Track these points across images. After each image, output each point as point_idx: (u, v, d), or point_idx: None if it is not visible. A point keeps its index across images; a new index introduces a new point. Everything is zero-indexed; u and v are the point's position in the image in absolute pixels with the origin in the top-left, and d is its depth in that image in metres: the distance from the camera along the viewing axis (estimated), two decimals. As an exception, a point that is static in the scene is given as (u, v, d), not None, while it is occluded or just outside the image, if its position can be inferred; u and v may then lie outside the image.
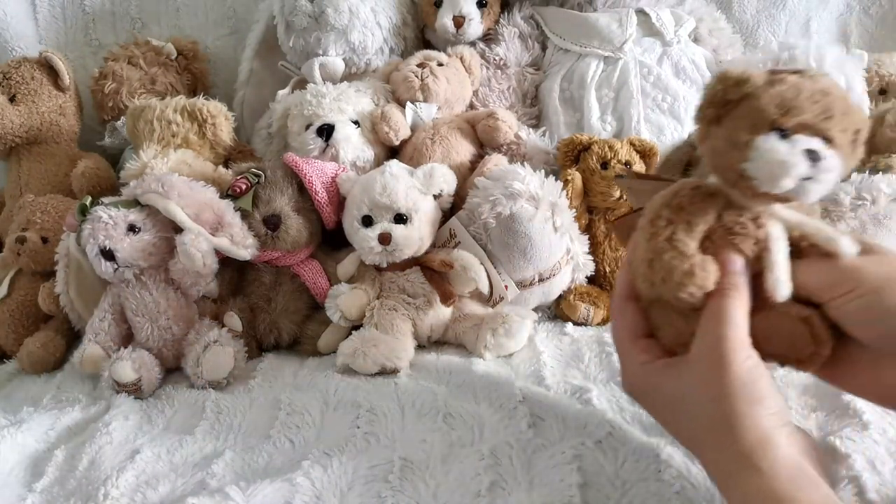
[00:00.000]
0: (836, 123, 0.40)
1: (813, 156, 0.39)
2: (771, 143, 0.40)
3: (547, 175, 0.75)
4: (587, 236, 0.81)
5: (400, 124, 0.90)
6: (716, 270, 0.42)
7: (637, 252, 0.45)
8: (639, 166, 0.84)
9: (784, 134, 0.40)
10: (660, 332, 0.46)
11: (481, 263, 0.74)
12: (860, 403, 0.53)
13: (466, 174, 0.87)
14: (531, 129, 0.96)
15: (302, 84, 1.02)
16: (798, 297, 0.43)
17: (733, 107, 0.42)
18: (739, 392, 0.40)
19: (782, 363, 0.44)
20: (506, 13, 1.06)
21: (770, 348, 0.43)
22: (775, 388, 0.41)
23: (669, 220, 0.43)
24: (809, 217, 0.44)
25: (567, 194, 0.77)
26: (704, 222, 0.43)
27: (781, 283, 0.42)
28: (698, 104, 0.45)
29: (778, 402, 0.41)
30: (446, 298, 0.74)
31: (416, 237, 0.74)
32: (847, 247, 0.42)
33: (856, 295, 0.41)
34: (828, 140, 0.40)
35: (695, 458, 0.45)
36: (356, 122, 0.90)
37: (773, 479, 0.38)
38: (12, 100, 0.98)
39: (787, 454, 0.39)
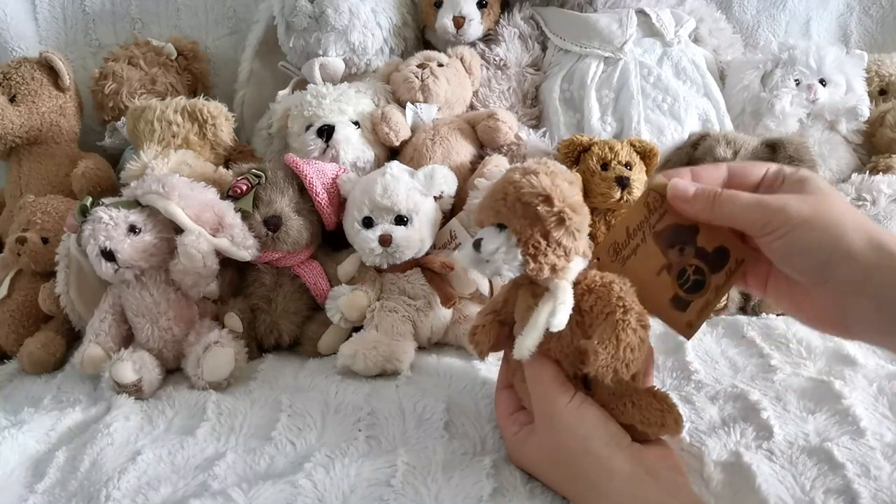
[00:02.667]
0: (485, 213, 0.49)
1: (476, 243, 0.49)
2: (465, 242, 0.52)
3: (547, 176, 0.75)
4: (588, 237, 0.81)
5: (400, 125, 0.90)
6: (493, 333, 0.53)
7: None
8: (639, 167, 0.84)
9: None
10: (525, 402, 0.52)
11: (482, 264, 0.74)
12: (859, 409, 0.53)
13: (467, 175, 0.87)
14: (531, 130, 0.96)
15: (302, 84, 1.02)
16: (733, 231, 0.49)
17: None
18: (569, 435, 0.46)
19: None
20: (506, 14, 1.06)
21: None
22: (604, 417, 0.47)
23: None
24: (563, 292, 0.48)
25: (567, 195, 0.77)
26: (507, 300, 0.54)
27: (519, 346, 0.48)
28: None
29: (611, 429, 0.46)
30: (447, 300, 0.74)
31: (416, 238, 0.74)
32: (554, 324, 0.47)
33: (777, 235, 0.45)
34: (500, 226, 0.49)
35: None
36: (356, 123, 0.90)
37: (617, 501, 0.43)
38: (12, 100, 0.98)
39: (630, 474, 0.43)
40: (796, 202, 0.44)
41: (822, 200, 0.44)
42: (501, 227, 0.49)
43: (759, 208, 0.45)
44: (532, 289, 0.51)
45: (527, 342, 0.47)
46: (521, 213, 0.48)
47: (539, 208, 0.47)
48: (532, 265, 0.48)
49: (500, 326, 0.54)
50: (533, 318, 0.48)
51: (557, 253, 0.48)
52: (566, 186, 0.49)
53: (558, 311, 0.47)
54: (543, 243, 0.48)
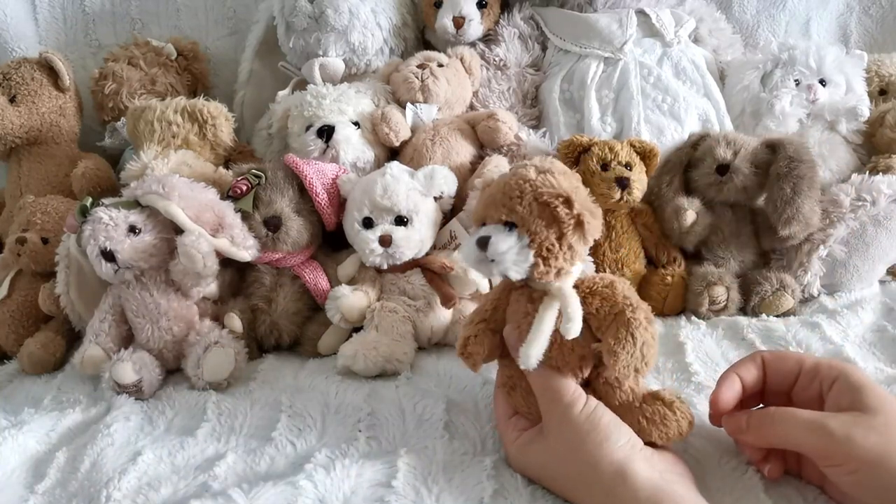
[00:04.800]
0: (495, 209, 0.48)
1: (481, 242, 0.47)
2: (466, 241, 0.50)
3: (547, 176, 0.75)
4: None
5: (400, 125, 0.90)
6: (485, 343, 0.52)
7: None
8: (639, 167, 0.84)
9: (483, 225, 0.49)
10: (520, 409, 0.52)
11: (482, 265, 0.74)
12: None
13: (467, 175, 0.87)
14: (531, 130, 0.96)
15: (302, 85, 1.02)
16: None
17: None
18: (585, 438, 0.45)
19: None
20: (506, 14, 1.06)
21: None
22: (618, 421, 0.46)
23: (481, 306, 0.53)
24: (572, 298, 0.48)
25: (567, 196, 0.77)
26: (498, 303, 0.52)
27: (525, 356, 0.46)
28: None
29: (625, 434, 0.45)
30: (447, 300, 0.74)
31: (416, 239, 0.74)
32: (568, 330, 0.46)
33: (848, 469, 0.42)
34: (508, 224, 0.47)
35: None
36: (356, 123, 0.90)
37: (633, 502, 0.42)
38: (12, 100, 0.98)
39: (644, 478, 0.43)
40: (863, 435, 0.41)
41: (891, 429, 0.41)
42: (510, 225, 0.47)
43: (820, 436, 0.43)
44: (528, 293, 0.50)
45: (533, 351, 0.46)
46: (538, 214, 0.46)
47: (559, 210, 0.46)
48: (542, 268, 0.46)
49: (492, 335, 0.52)
50: (536, 326, 0.47)
51: (566, 256, 0.47)
52: (583, 189, 0.48)
53: (574, 318, 0.46)
54: (556, 246, 0.46)
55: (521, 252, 0.46)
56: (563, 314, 0.46)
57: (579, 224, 0.46)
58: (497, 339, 0.52)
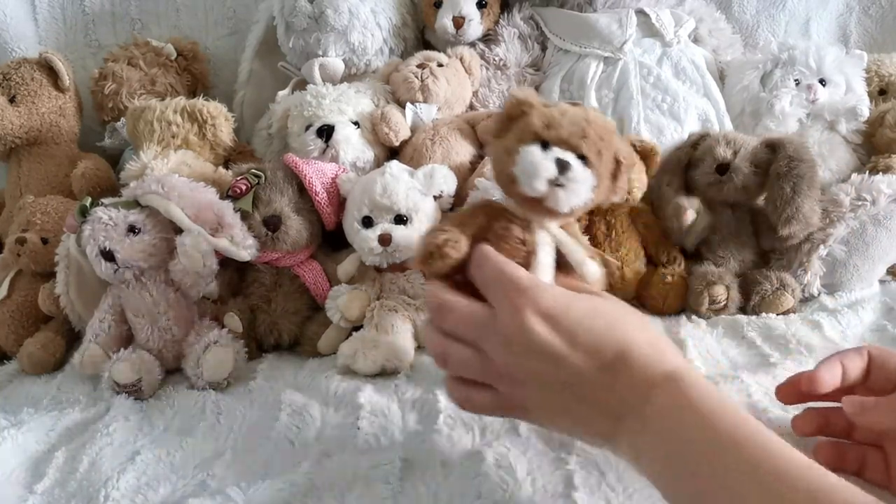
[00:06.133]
0: (589, 144, 0.47)
1: (562, 164, 0.46)
2: (530, 150, 0.47)
3: (547, 176, 0.75)
4: (587, 237, 0.81)
5: (400, 125, 0.90)
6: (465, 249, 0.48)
7: None
8: (639, 167, 0.84)
9: (545, 146, 0.47)
10: None
11: (481, 264, 0.74)
12: None
13: (466, 175, 0.87)
14: (531, 130, 0.95)
15: (302, 85, 1.02)
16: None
17: (513, 123, 0.50)
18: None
19: None
20: (505, 14, 1.06)
21: None
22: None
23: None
24: (573, 239, 0.50)
25: (567, 195, 0.77)
26: (474, 224, 0.49)
27: (595, 271, 0.49)
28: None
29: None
30: (446, 299, 0.74)
31: (416, 238, 0.74)
32: (591, 273, 0.49)
33: None
34: (582, 157, 0.47)
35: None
36: (356, 123, 0.90)
37: (704, 386, 0.40)
38: (12, 101, 0.98)
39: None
40: None
41: None
42: (583, 158, 0.47)
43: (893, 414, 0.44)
44: (520, 223, 0.49)
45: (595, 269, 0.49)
46: (610, 167, 0.48)
47: (622, 176, 0.49)
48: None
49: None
50: (543, 257, 0.48)
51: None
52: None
53: (587, 261, 0.49)
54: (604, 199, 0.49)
55: (590, 191, 0.47)
56: (574, 261, 0.49)
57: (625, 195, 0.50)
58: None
